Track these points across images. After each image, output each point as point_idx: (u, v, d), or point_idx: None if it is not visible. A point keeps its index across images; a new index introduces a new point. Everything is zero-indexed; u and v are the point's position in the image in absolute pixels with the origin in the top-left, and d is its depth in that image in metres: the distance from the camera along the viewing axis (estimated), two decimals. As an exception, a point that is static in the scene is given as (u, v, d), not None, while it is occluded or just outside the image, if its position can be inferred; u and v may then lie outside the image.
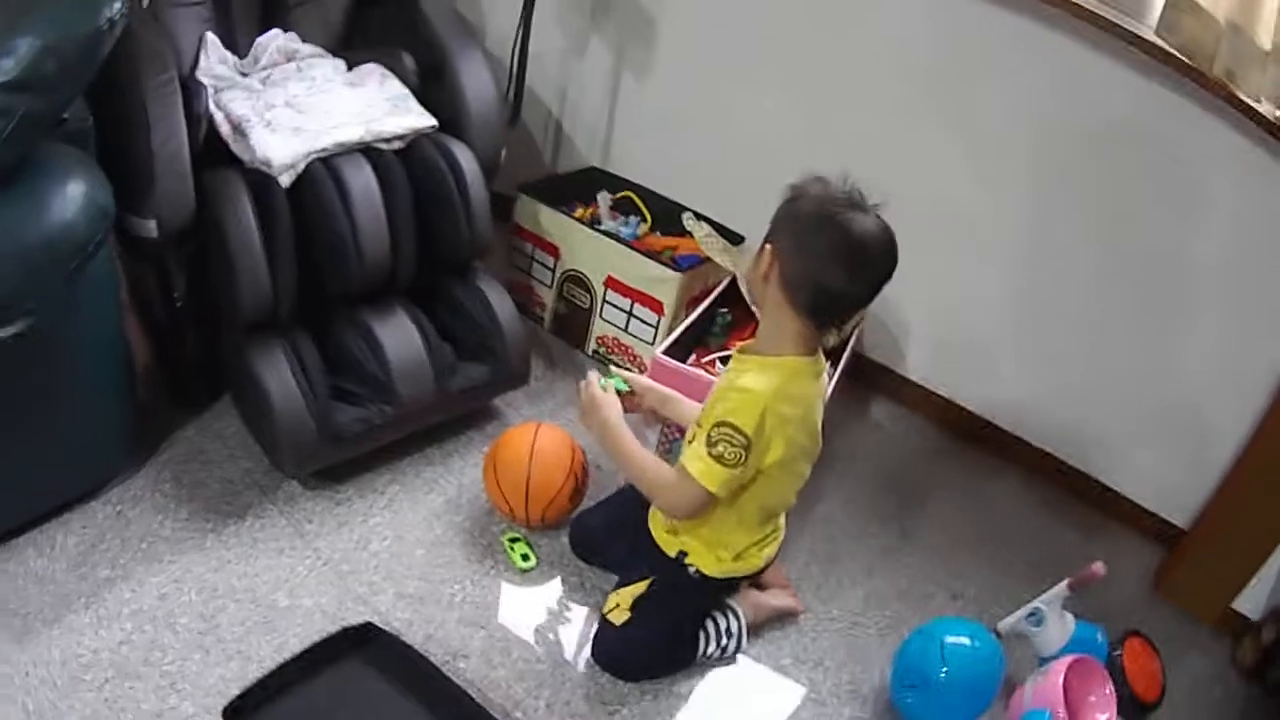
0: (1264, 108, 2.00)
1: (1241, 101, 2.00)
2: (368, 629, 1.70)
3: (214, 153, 1.92)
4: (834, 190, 1.53)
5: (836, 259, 1.49)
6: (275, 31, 2.18)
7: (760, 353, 1.64)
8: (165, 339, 2.05)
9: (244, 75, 2.11)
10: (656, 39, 2.64)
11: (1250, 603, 2.32)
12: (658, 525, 1.84)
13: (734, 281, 2.40)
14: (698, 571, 1.78)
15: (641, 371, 2.46)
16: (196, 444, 2.04)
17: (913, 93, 2.42)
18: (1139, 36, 2.06)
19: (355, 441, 1.98)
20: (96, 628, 1.65)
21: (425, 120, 2.09)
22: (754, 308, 2.16)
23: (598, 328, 2.57)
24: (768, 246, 1.57)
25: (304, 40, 2.21)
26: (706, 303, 2.35)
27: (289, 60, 2.15)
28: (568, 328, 2.62)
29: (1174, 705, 2.05)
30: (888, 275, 1.54)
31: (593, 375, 1.82)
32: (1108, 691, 1.85)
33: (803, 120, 2.54)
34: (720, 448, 1.55)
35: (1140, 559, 2.48)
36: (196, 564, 1.80)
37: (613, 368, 1.94)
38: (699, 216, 2.51)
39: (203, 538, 1.85)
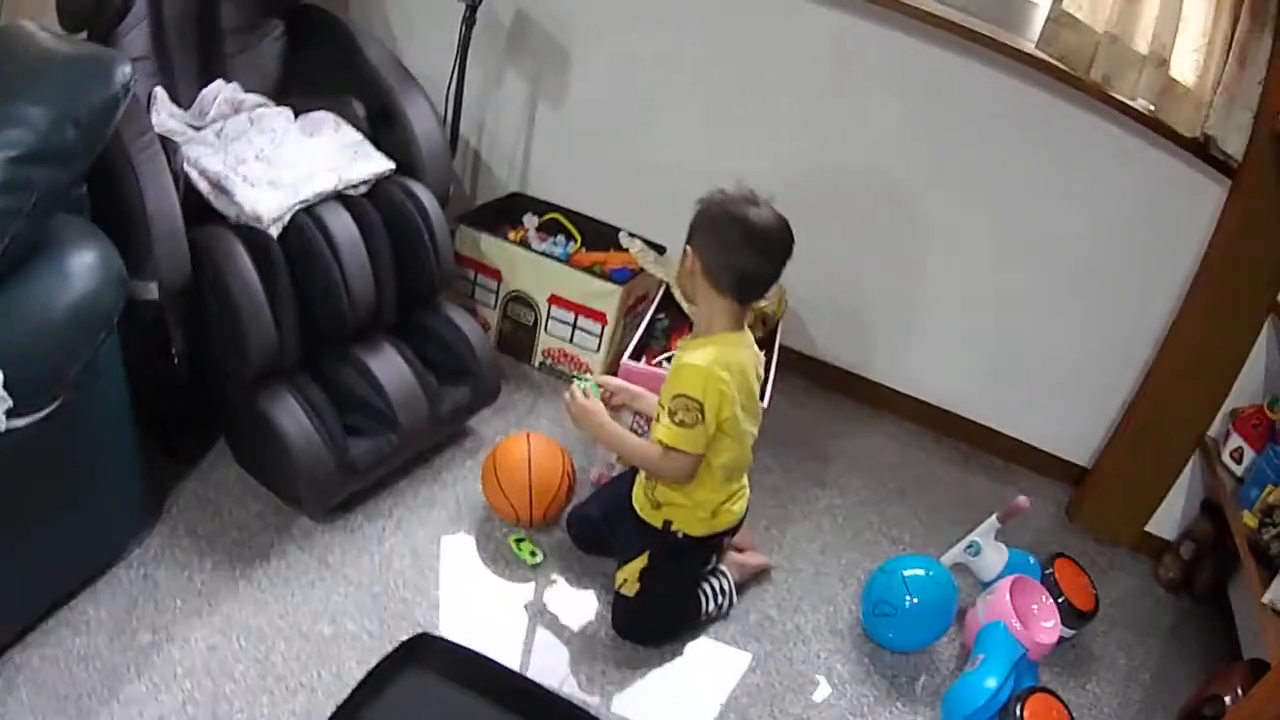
0: (1139, 104, 2.23)
1: (1116, 100, 2.23)
2: (423, 639, 1.67)
3: (191, 209, 1.77)
4: (733, 193, 1.73)
5: (745, 244, 1.69)
6: (219, 82, 2.06)
7: (698, 336, 1.80)
8: (157, 396, 1.90)
9: (195, 129, 1.99)
10: (570, 68, 2.64)
11: (1163, 525, 2.56)
12: (643, 505, 1.91)
13: (668, 289, 2.46)
14: (685, 535, 1.87)
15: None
16: (201, 495, 1.92)
17: (807, 104, 2.54)
18: (1020, 50, 2.28)
19: (368, 472, 1.92)
20: (155, 694, 1.53)
21: (385, 164, 2.05)
22: (684, 304, 2.27)
23: (543, 341, 2.57)
24: (688, 248, 1.75)
25: (245, 89, 2.10)
26: (650, 311, 2.40)
27: (236, 111, 2.04)
28: (514, 344, 2.60)
29: (1110, 618, 2.24)
30: (787, 252, 1.73)
31: (574, 386, 1.86)
32: (1048, 602, 2.02)
33: (707, 138, 2.63)
34: (680, 415, 1.70)
35: (1052, 496, 2.71)
36: (235, 611, 1.70)
37: (588, 375, 2.01)
38: (632, 234, 2.56)
39: (234, 584, 1.75)
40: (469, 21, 2.37)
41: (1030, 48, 2.27)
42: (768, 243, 1.70)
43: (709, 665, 1.89)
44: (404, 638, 1.68)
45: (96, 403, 1.58)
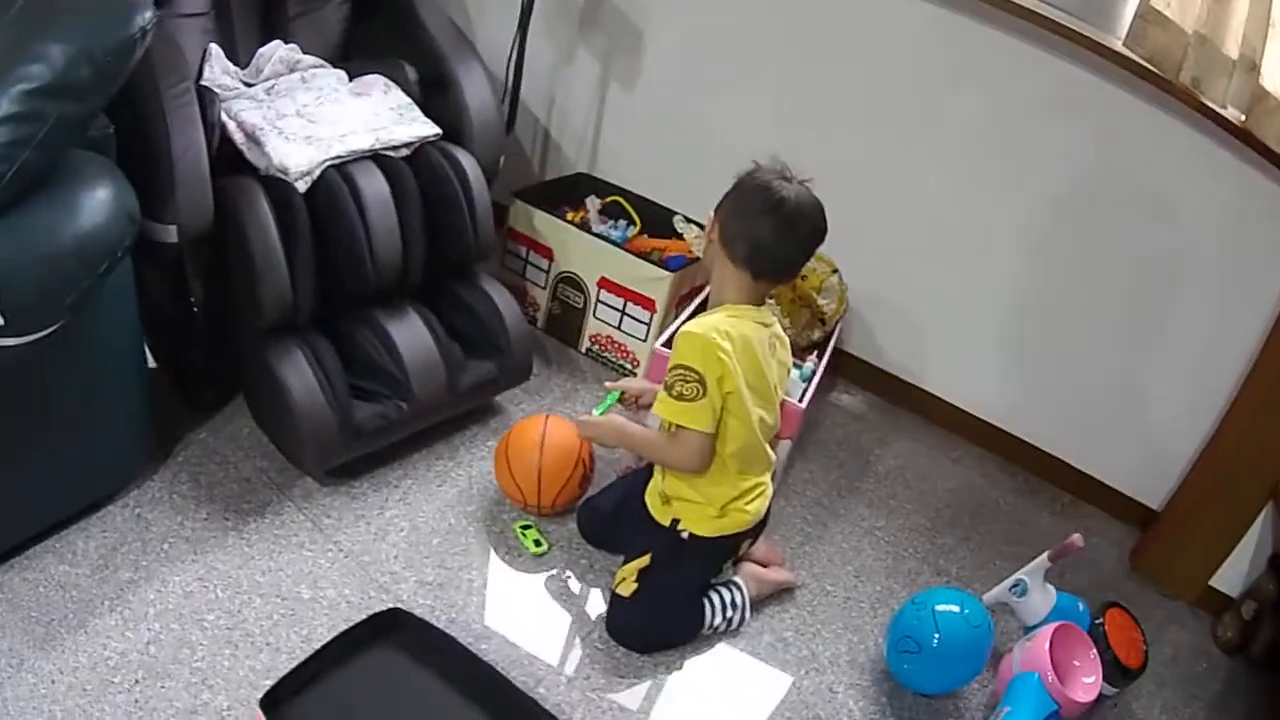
0: (1229, 113, 2.03)
1: (1208, 108, 2.03)
2: (395, 614, 1.62)
3: (225, 159, 1.83)
4: (766, 166, 1.72)
5: (764, 214, 1.65)
6: (276, 43, 2.09)
7: (713, 306, 1.75)
8: (177, 343, 1.95)
9: (248, 85, 2.02)
10: (642, 50, 2.61)
11: (1228, 581, 2.33)
12: (653, 498, 1.84)
13: None
14: (692, 535, 1.78)
15: (634, 369, 2.50)
16: (211, 446, 1.95)
17: (880, 100, 2.42)
18: (1107, 47, 2.09)
19: (373, 437, 1.91)
20: (123, 629, 1.56)
21: (430, 129, 2.04)
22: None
23: (591, 326, 2.52)
24: (711, 214, 1.73)
25: (304, 51, 2.13)
26: (699, 299, 2.31)
27: (291, 71, 2.07)
28: (562, 327, 2.57)
29: (1159, 677, 2.06)
30: (813, 233, 1.68)
31: (583, 418, 1.86)
32: (1092, 656, 1.84)
33: (776, 129, 2.53)
34: (677, 388, 1.64)
35: (1114, 538, 2.49)
36: (219, 562, 1.71)
37: (607, 384, 1.94)
38: (688, 219, 2.48)
39: (224, 536, 1.76)
40: None
41: (1118, 45, 2.08)
42: (790, 218, 1.65)
43: (706, 684, 1.78)
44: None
45: (104, 334, 1.63)
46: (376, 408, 1.91)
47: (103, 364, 1.65)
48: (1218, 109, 2.02)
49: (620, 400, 1.92)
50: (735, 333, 1.65)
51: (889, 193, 2.47)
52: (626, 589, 1.78)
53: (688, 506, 1.78)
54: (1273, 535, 2.24)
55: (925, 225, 2.49)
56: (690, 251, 2.45)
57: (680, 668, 1.79)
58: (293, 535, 1.81)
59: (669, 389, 1.66)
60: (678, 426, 1.68)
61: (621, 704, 1.69)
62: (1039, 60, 2.21)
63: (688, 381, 1.63)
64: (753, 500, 1.81)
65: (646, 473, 1.93)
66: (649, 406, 1.89)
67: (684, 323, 1.89)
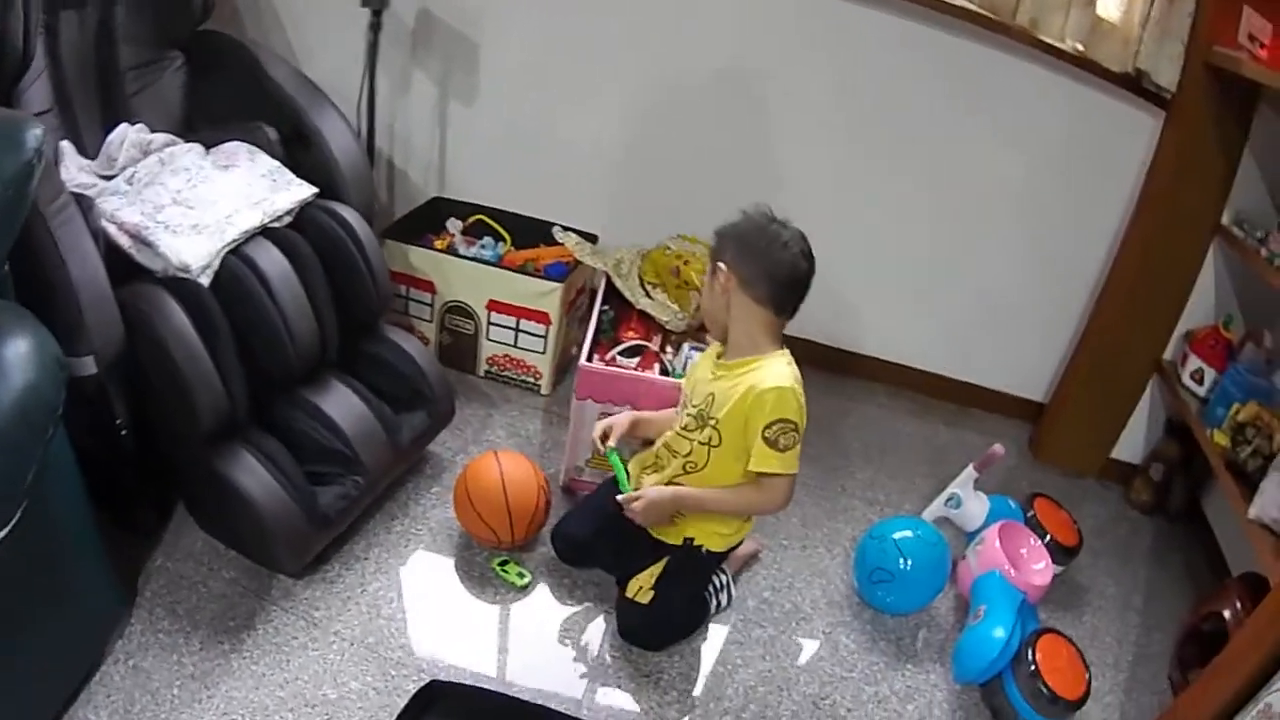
0: (1067, 45, 2.38)
1: (1045, 43, 2.38)
2: (433, 687, 1.70)
3: (111, 267, 1.72)
4: (753, 212, 1.82)
5: (779, 249, 1.76)
6: (123, 126, 2.01)
7: (749, 356, 1.82)
8: (108, 471, 1.85)
9: (106, 178, 1.94)
10: (480, 65, 2.66)
11: (1128, 450, 2.76)
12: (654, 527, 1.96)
13: (609, 280, 2.50)
14: (708, 550, 1.94)
15: (538, 380, 2.60)
16: (172, 570, 1.90)
17: (726, 76, 2.60)
18: (945, 2, 2.38)
19: (341, 519, 1.94)
20: None
21: (307, 190, 2.04)
22: (709, 324, 2.03)
23: (486, 349, 2.60)
24: (720, 265, 1.80)
25: (150, 128, 2.05)
26: (598, 306, 2.43)
27: (145, 154, 1.99)
28: (456, 356, 2.62)
29: (1091, 549, 2.40)
30: (813, 261, 1.81)
31: (635, 505, 1.87)
32: (1035, 544, 2.18)
33: (627, 119, 2.68)
34: (782, 440, 1.76)
35: (1011, 435, 2.87)
36: (234, 690, 1.69)
37: (595, 440, 1.99)
38: (565, 228, 2.58)
39: (226, 662, 1.74)
40: (375, 27, 2.35)
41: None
42: (800, 249, 1.77)
43: (720, 661, 1.98)
44: (411, 687, 1.73)
45: (53, 500, 1.53)
46: (336, 489, 1.93)
47: (59, 529, 1.57)
48: (1055, 43, 2.38)
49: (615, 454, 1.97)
50: (799, 376, 1.80)
51: (757, 168, 2.68)
52: (645, 596, 1.92)
53: (704, 530, 1.93)
54: (1165, 405, 2.70)
55: (797, 191, 2.62)
56: (566, 257, 2.57)
57: (694, 653, 1.98)
58: (292, 639, 1.81)
59: (773, 444, 1.76)
60: (766, 475, 1.79)
61: (660, 698, 1.85)
62: (874, 20, 2.47)
63: (788, 433, 1.76)
64: None
65: (610, 490, 2.02)
66: (651, 439, 2.01)
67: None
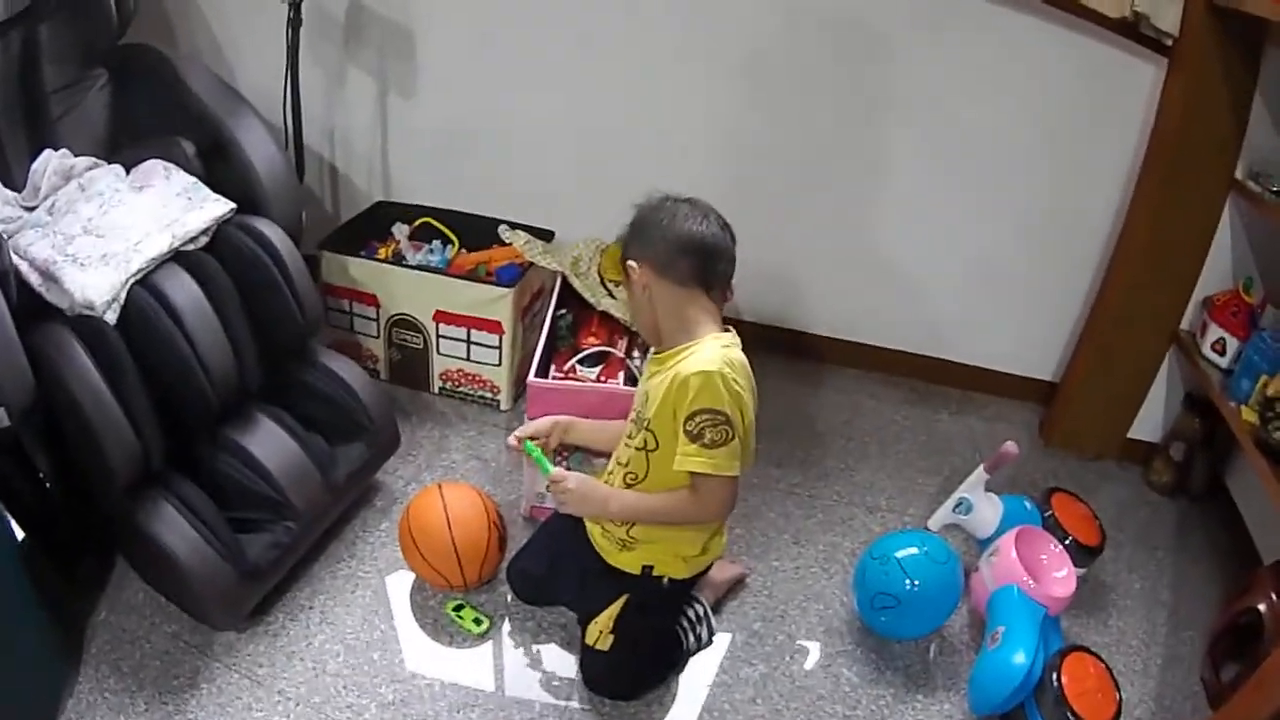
0: None
1: None
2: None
3: (23, 306, 1.65)
4: (649, 199, 1.74)
5: (683, 221, 1.67)
6: (47, 153, 1.94)
7: (681, 344, 1.68)
8: (40, 521, 1.78)
9: (31, 210, 1.87)
10: (417, 55, 2.56)
11: (1146, 429, 2.65)
12: (608, 549, 1.85)
13: (565, 281, 2.40)
14: (668, 580, 1.82)
15: (496, 396, 2.48)
16: (115, 625, 1.85)
17: (684, 51, 2.49)
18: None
19: (273, 570, 1.85)
20: None
21: (223, 206, 1.95)
22: (642, 332, 1.93)
23: (438, 364, 2.50)
24: (631, 264, 1.71)
25: (75, 153, 1.98)
26: (551, 310, 2.32)
27: (68, 180, 1.92)
28: (406, 373, 2.54)
29: (1113, 540, 2.29)
30: (726, 226, 1.71)
31: (553, 485, 1.76)
32: (1055, 549, 2.07)
33: (578, 104, 2.57)
34: (708, 435, 1.59)
35: (1020, 420, 2.77)
36: (183, 756, 1.65)
37: (510, 440, 1.89)
38: (513, 225, 2.48)
39: (171, 723, 1.71)
40: (294, 22, 2.27)
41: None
42: (704, 216, 1.69)
43: (706, 708, 1.86)
44: (360, 751, 1.62)
45: None
46: (265, 537, 1.85)
47: None
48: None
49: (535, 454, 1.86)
50: (736, 360, 1.66)
51: (722, 148, 2.56)
52: (604, 642, 1.82)
53: (664, 550, 1.80)
54: (1184, 379, 2.59)
55: (766, 161, 2.60)
56: (520, 258, 2.46)
57: (674, 700, 1.86)
58: (236, 698, 1.74)
59: (695, 438, 1.60)
60: (698, 476, 1.64)
61: (636, 755, 1.75)
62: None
63: (716, 425, 1.59)
64: (721, 532, 1.87)
65: (563, 521, 1.93)
66: (576, 445, 1.90)
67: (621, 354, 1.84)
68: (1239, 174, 2.29)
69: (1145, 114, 2.39)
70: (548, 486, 1.78)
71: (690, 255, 1.66)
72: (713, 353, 1.63)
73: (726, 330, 1.71)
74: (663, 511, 1.73)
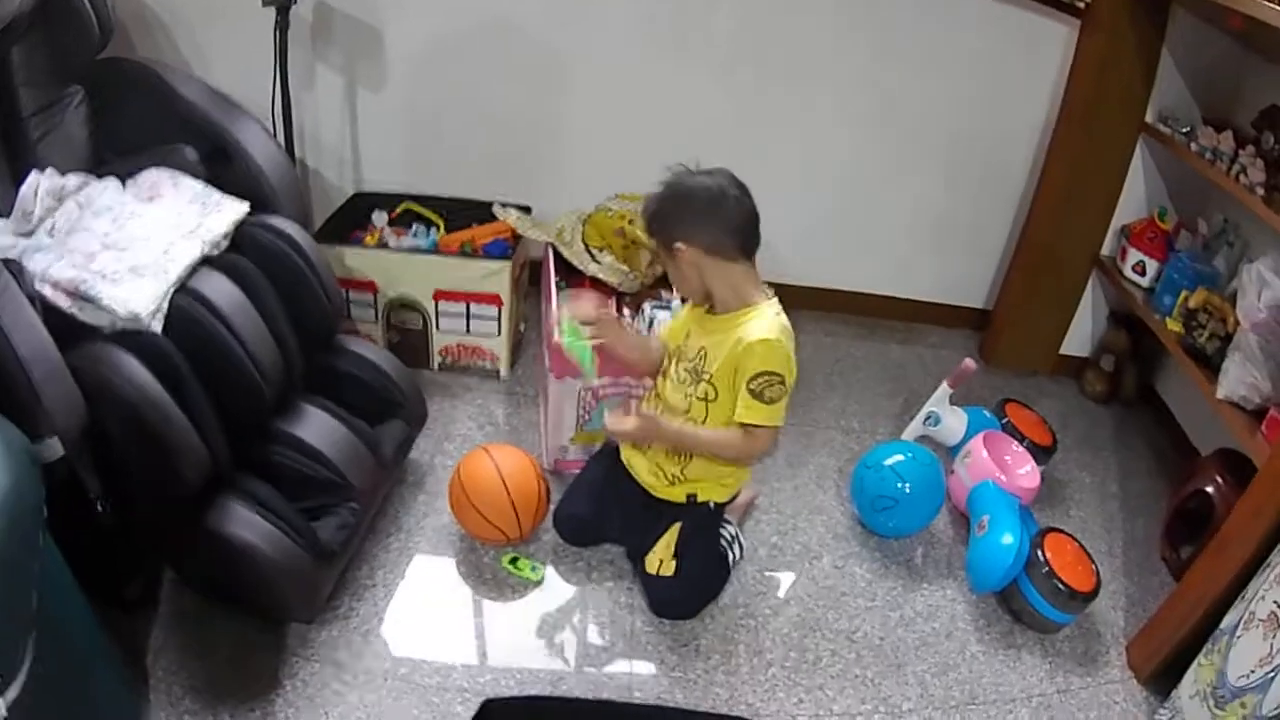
0: None
1: None
2: (489, 707, 1.64)
3: (54, 332, 1.51)
4: (668, 180, 1.77)
5: (720, 199, 1.72)
6: (33, 176, 1.78)
7: (737, 309, 1.78)
8: (91, 550, 1.61)
9: (25, 236, 1.72)
10: (384, 49, 2.49)
11: (1076, 345, 2.84)
12: (656, 485, 1.93)
13: (556, 252, 2.38)
14: (712, 503, 1.93)
15: (495, 365, 2.50)
16: (177, 643, 1.72)
17: (637, 22, 2.51)
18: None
19: (344, 551, 1.81)
20: None
21: (240, 207, 1.86)
22: (690, 297, 1.95)
23: (438, 341, 2.46)
24: (680, 247, 1.74)
25: (60, 172, 1.84)
26: (553, 281, 2.32)
27: (60, 201, 1.78)
28: (407, 353, 2.44)
29: (1060, 445, 2.45)
30: (744, 185, 1.77)
31: (614, 426, 1.84)
32: (1017, 448, 2.24)
33: (536, 89, 2.56)
34: (769, 394, 1.74)
35: (960, 345, 2.94)
36: (287, 762, 1.57)
37: (564, 322, 1.96)
38: (504, 204, 2.44)
39: (264, 729, 1.61)
40: (282, 26, 2.15)
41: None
42: (736, 190, 1.73)
43: (749, 614, 1.96)
44: (459, 710, 1.66)
45: (57, 618, 1.32)
46: (333, 520, 1.79)
47: (69, 648, 1.38)
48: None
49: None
50: (787, 326, 1.78)
51: (680, 118, 2.59)
52: (668, 569, 1.89)
53: (706, 482, 1.90)
54: (1108, 299, 2.78)
55: (716, 135, 2.60)
56: (505, 233, 2.44)
57: (723, 613, 1.95)
58: (324, 686, 1.69)
59: (757, 395, 1.73)
60: (753, 425, 1.76)
61: (704, 664, 1.83)
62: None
63: (773, 385, 1.73)
64: None
65: (602, 464, 2.01)
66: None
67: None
68: (1150, 118, 2.46)
69: (1060, 69, 2.55)
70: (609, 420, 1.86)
71: (740, 234, 1.74)
72: (771, 320, 1.75)
73: (769, 294, 1.81)
74: (714, 445, 1.85)
